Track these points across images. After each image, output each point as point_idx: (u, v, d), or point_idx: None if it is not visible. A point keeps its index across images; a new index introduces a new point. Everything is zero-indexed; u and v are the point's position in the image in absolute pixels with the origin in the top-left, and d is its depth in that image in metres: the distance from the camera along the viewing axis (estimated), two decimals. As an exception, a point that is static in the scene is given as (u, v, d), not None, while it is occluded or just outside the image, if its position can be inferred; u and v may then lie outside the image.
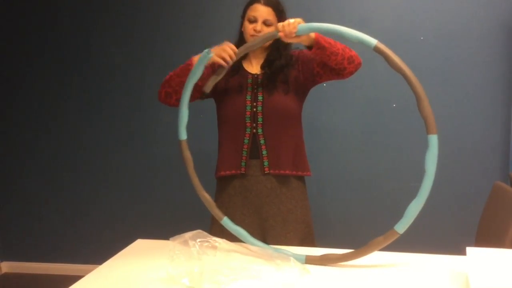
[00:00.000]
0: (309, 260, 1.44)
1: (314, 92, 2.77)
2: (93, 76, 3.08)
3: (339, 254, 1.41)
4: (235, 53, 1.54)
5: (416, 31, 2.67)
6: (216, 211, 1.57)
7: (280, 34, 1.47)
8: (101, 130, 3.10)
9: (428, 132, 1.32)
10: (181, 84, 1.59)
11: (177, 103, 1.63)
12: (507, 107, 2.63)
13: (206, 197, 1.58)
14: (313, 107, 2.80)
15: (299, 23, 1.45)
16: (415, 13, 2.66)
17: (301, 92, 1.74)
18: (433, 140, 1.32)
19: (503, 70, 2.63)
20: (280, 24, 1.47)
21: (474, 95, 2.67)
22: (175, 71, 1.64)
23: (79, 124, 3.12)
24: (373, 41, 1.33)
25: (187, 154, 1.59)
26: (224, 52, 1.53)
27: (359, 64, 1.62)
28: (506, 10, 2.60)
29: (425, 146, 2.73)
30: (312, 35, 1.50)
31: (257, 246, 1.53)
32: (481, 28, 2.64)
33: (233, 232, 1.56)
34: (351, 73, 1.63)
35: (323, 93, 2.81)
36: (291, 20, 1.46)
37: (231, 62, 1.54)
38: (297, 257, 1.44)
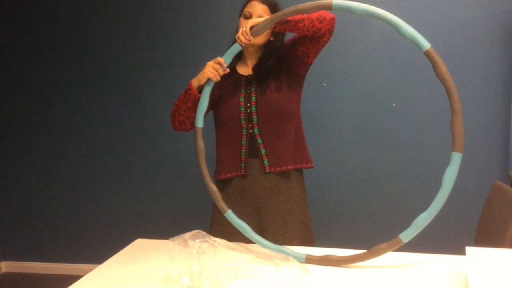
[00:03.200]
0: (310, 260, 1.44)
1: (315, 92, 2.79)
2: (91, 76, 3.08)
3: (340, 256, 1.41)
4: (220, 63, 1.57)
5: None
6: (221, 203, 1.58)
7: (242, 44, 1.54)
8: (100, 129, 3.10)
9: (454, 149, 1.29)
10: (190, 110, 1.65)
11: (192, 127, 1.69)
12: (507, 107, 2.63)
13: (213, 188, 1.59)
14: (313, 107, 2.81)
15: (251, 24, 1.51)
16: (414, 14, 2.66)
17: (296, 84, 1.73)
18: (457, 158, 1.28)
19: (503, 70, 2.63)
20: (236, 36, 1.54)
21: (474, 95, 2.67)
22: (179, 100, 1.68)
23: (78, 124, 3.12)
24: (426, 45, 1.31)
25: (200, 143, 1.60)
26: (212, 69, 1.57)
27: (333, 19, 1.56)
28: (505, 10, 2.60)
29: (423, 144, 2.76)
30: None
31: (259, 242, 1.53)
32: (480, 28, 2.64)
33: (235, 226, 1.56)
34: (329, 31, 1.58)
35: (323, 93, 2.82)
36: (243, 28, 1.52)
37: (222, 71, 1.58)
38: (298, 256, 1.44)
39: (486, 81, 2.67)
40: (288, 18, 1.49)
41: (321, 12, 1.52)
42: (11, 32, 3.12)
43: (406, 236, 1.33)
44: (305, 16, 1.50)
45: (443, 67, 1.31)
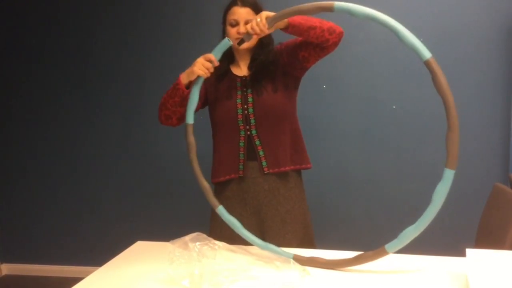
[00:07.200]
0: (296, 259, 1.44)
1: (315, 94, 2.79)
2: (93, 77, 3.08)
3: (326, 260, 1.42)
4: (211, 60, 1.54)
5: (415, 32, 2.67)
6: (212, 199, 1.58)
7: (255, 36, 1.49)
8: (101, 131, 3.10)
9: (447, 165, 1.24)
10: (177, 105, 1.63)
11: (178, 122, 1.68)
12: (507, 108, 2.63)
13: (204, 184, 1.59)
14: (313, 109, 2.81)
15: (266, 16, 1.45)
16: (415, 15, 2.66)
17: (292, 85, 1.73)
18: (449, 174, 1.24)
19: (503, 71, 2.63)
20: (249, 26, 1.47)
21: (474, 96, 2.66)
22: (167, 94, 1.66)
23: (79, 125, 3.13)
24: (427, 54, 1.27)
25: (191, 139, 1.59)
26: (203, 65, 1.54)
27: (341, 33, 1.59)
28: (505, 10, 2.60)
29: (424, 146, 2.76)
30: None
31: (249, 238, 1.53)
32: (480, 29, 2.64)
33: (226, 222, 1.56)
34: (335, 44, 1.59)
35: (323, 95, 2.82)
36: (258, 19, 1.45)
37: (213, 69, 1.55)
38: (284, 255, 1.45)
39: (486, 82, 2.66)
40: (302, 22, 1.47)
41: (332, 24, 1.54)
42: (11, 32, 3.13)
43: (392, 247, 1.32)
44: (318, 24, 1.50)
45: (442, 79, 1.23)
